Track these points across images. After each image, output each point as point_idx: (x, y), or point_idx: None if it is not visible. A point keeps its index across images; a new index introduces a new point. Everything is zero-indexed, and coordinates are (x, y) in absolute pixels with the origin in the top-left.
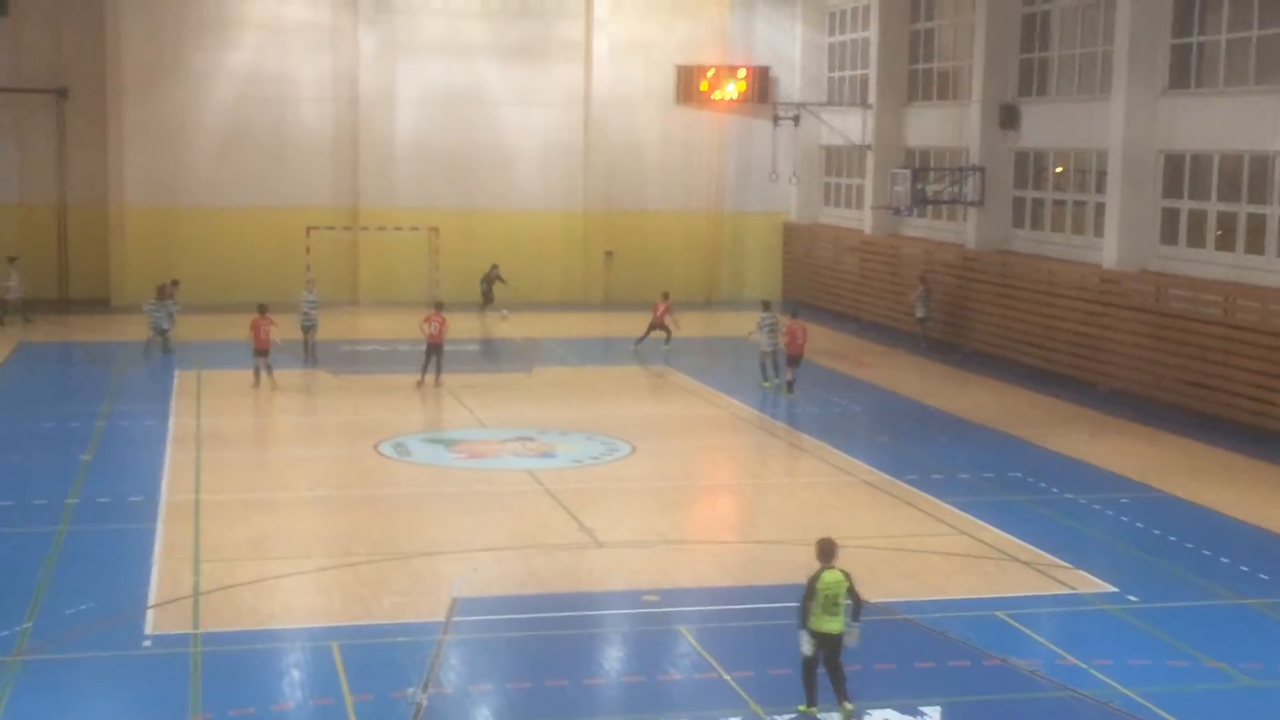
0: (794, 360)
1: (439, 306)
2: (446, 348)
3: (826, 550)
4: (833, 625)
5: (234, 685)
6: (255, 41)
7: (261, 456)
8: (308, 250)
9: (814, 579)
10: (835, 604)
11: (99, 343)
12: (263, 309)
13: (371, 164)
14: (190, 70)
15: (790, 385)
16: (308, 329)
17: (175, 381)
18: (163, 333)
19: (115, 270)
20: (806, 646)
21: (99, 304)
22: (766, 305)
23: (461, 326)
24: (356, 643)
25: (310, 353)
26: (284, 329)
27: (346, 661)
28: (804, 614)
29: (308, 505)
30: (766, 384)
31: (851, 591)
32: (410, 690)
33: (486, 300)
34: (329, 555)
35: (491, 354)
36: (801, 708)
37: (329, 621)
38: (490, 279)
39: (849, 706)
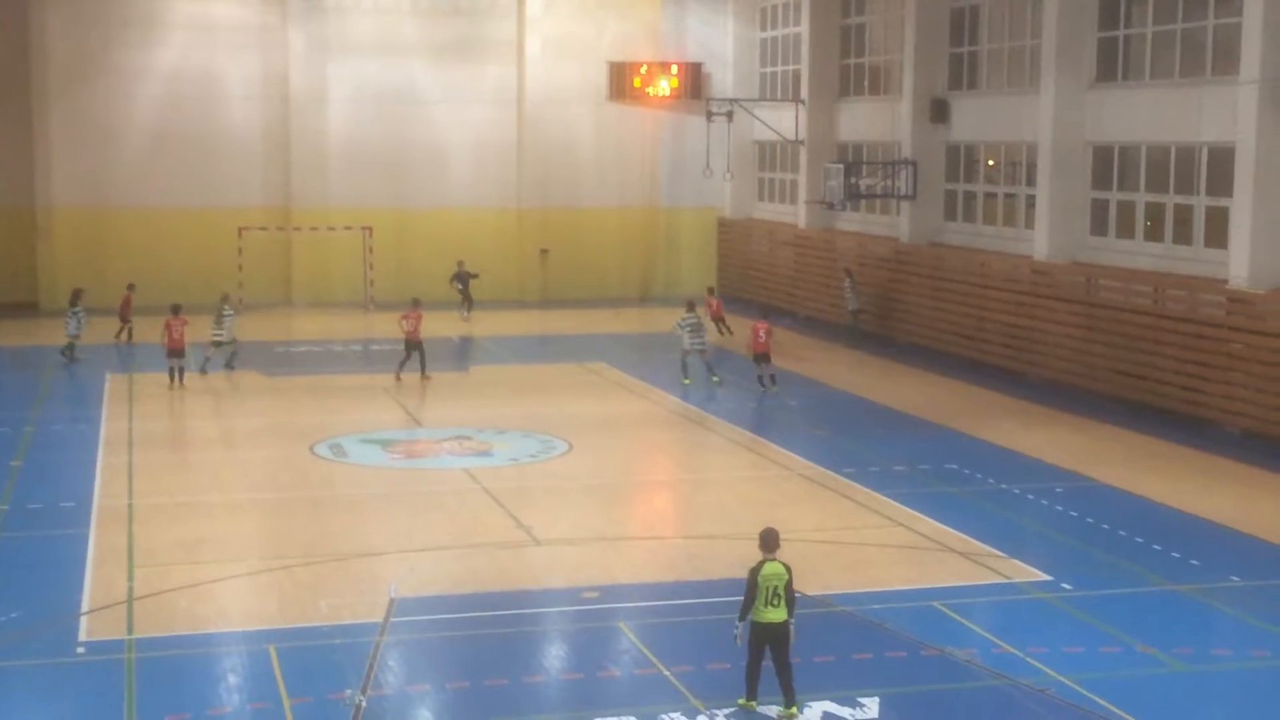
0: (762, 359)
1: (416, 303)
2: (379, 348)
3: (769, 541)
4: (775, 615)
5: (169, 691)
6: (183, 40)
7: (195, 459)
8: (240, 251)
9: (756, 570)
10: (778, 594)
11: (28, 346)
12: (176, 309)
13: (304, 163)
14: (117, 69)
15: (771, 379)
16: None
17: (107, 385)
18: (70, 340)
19: (44, 273)
20: (739, 639)
21: (27, 308)
22: (690, 305)
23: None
24: (294, 645)
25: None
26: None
27: (284, 664)
28: (745, 605)
29: (243, 508)
30: (687, 381)
31: (788, 586)
32: (349, 692)
33: (465, 300)
34: (264, 558)
35: (428, 353)
36: (741, 700)
37: (265, 625)
38: (463, 276)
39: (792, 711)
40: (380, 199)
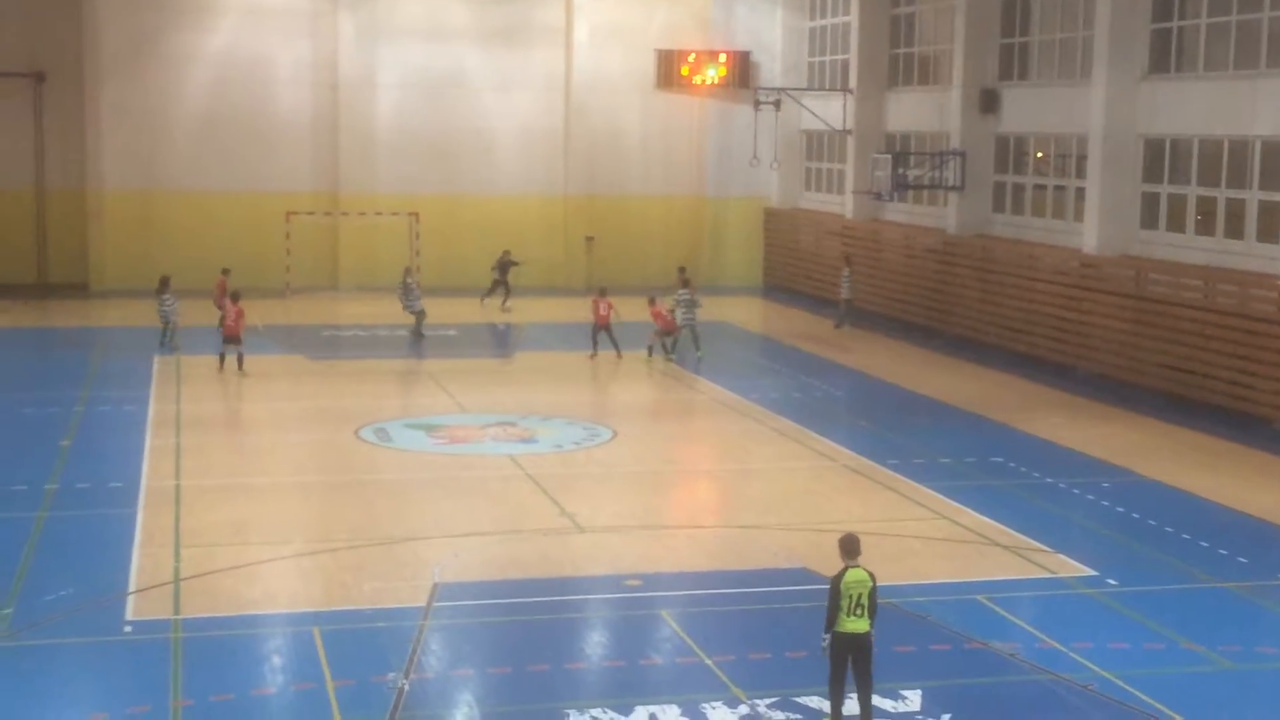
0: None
1: (603, 292)
2: (428, 334)
3: (850, 547)
4: (859, 625)
5: (215, 671)
6: (234, 25)
7: (242, 442)
8: (287, 235)
9: (838, 579)
10: (861, 604)
11: (78, 328)
12: (235, 296)
13: (352, 148)
14: (168, 54)
15: (657, 349)
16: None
17: (155, 367)
18: (166, 324)
19: (94, 255)
20: (825, 649)
21: (78, 289)
22: (685, 281)
23: (444, 311)
24: (338, 628)
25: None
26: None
27: (327, 647)
28: (830, 616)
29: (288, 490)
30: (701, 353)
31: (872, 594)
32: (391, 675)
33: (499, 287)
34: (310, 540)
35: (472, 339)
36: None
37: (310, 607)
38: (504, 264)
39: None
40: (427, 185)
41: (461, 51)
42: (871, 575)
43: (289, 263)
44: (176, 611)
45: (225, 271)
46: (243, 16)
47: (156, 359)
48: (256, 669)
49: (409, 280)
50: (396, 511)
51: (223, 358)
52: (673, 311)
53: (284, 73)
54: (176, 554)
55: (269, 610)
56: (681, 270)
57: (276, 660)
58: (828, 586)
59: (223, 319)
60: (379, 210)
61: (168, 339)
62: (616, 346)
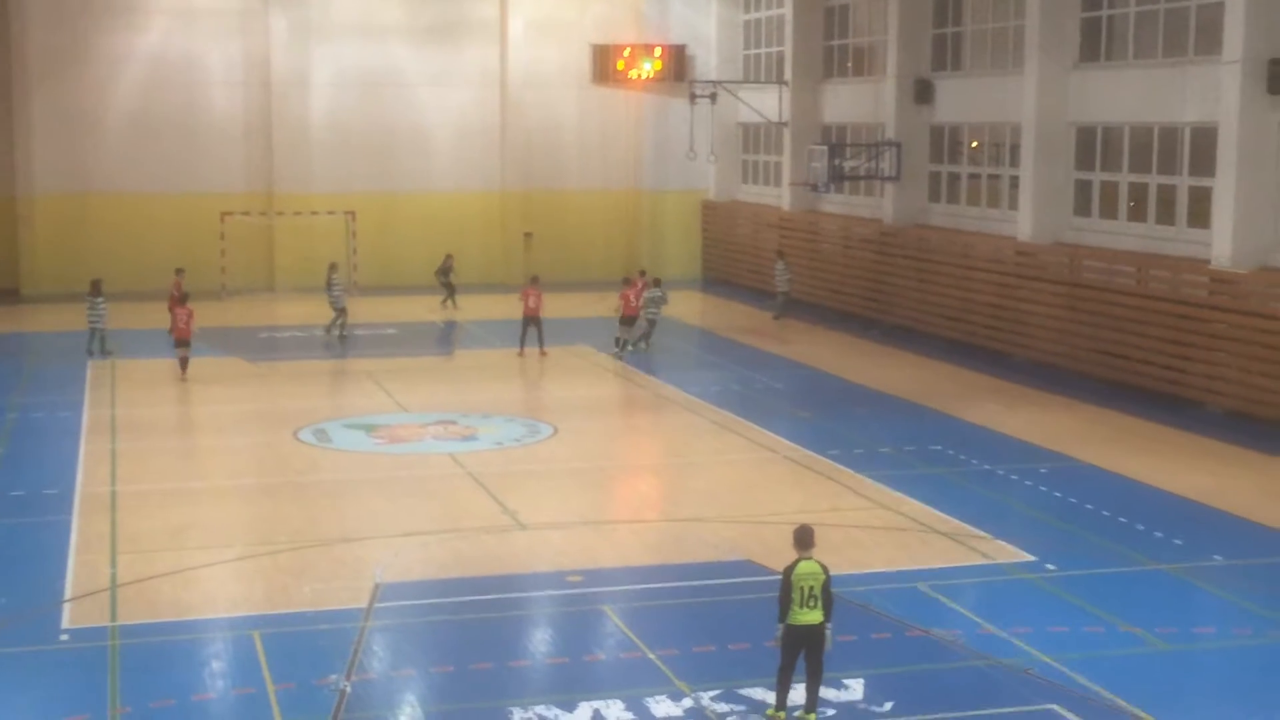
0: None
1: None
2: (346, 333)
3: (803, 539)
4: (811, 617)
5: (154, 677)
6: (164, 25)
7: (179, 446)
8: (222, 236)
9: (789, 570)
10: (814, 595)
11: (8, 333)
12: (184, 298)
13: (286, 148)
14: (98, 55)
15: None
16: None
17: (89, 372)
18: (94, 328)
19: (25, 260)
20: (779, 640)
21: (8, 294)
22: (657, 281)
23: (383, 310)
24: (278, 631)
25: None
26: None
27: (268, 650)
28: (782, 607)
29: (227, 494)
30: (644, 347)
31: (825, 589)
32: (333, 677)
33: (448, 292)
34: (249, 544)
35: (411, 338)
36: (770, 711)
37: (250, 610)
38: (446, 270)
39: (811, 717)
40: (363, 183)
41: (396, 48)
42: (824, 568)
43: (224, 264)
44: (114, 618)
45: (179, 272)
46: (173, 17)
47: (90, 364)
48: (196, 674)
49: (334, 277)
50: (337, 512)
51: (184, 362)
52: (645, 307)
53: (216, 73)
54: (113, 560)
55: (208, 615)
56: (642, 273)
57: (216, 665)
58: (770, 578)
59: (174, 322)
60: (314, 210)
61: (96, 344)
62: (541, 342)
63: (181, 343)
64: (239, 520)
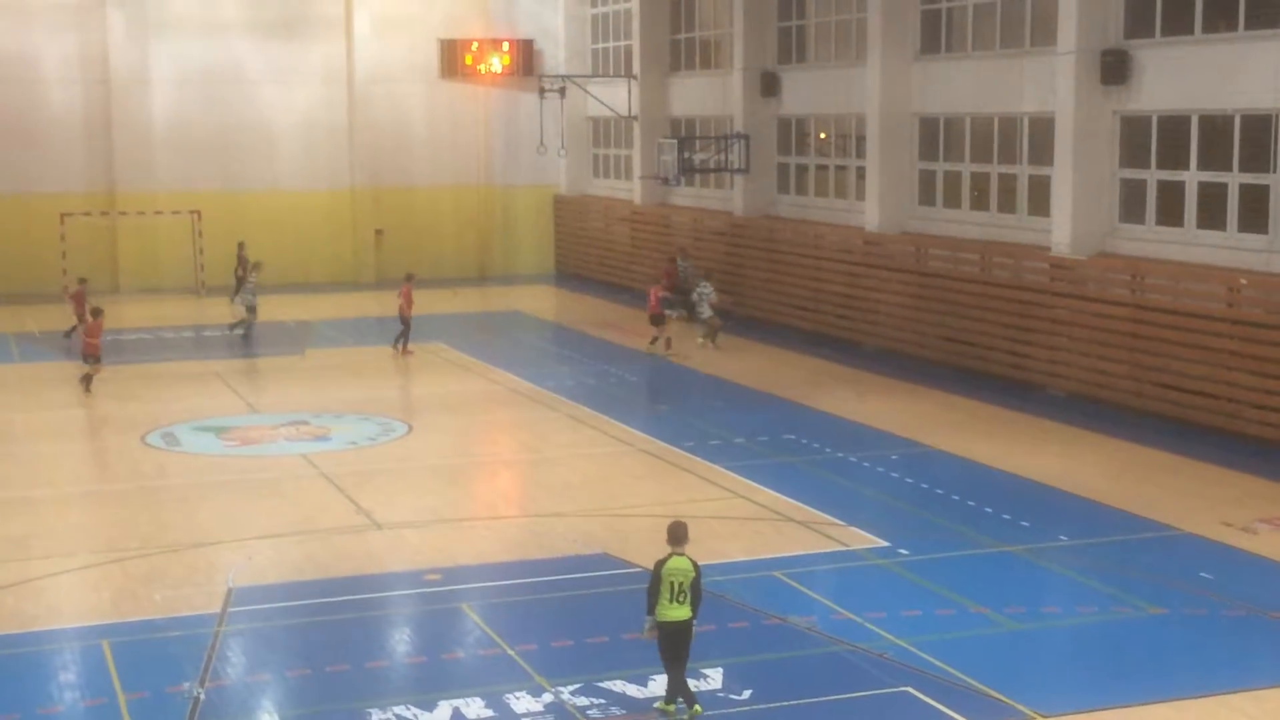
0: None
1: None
2: (210, 334)
3: (676, 534)
4: (679, 613)
5: None
6: None
7: (20, 452)
8: (63, 238)
9: (659, 565)
10: (683, 590)
11: None
12: (96, 312)
13: (127, 147)
14: None
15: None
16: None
17: None
18: None
19: None
20: (647, 632)
21: None
22: (707, 275)
23: (231, 311)
24: (129, 639)
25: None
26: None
27: (118, 659)
28: (650, 600)
29: (73, 501)
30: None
31: (695, 585)
32: (187, 685)
33: (242, 285)
34: (96, 551)
35: (261, 337)
36: (659, 705)
37: (98, 619)
38: (243, 260)
39: (670, 708)
40: (209, 182)
41: (238, 45)
42: (695, 564)
43: (65, 266)
44: None
45: (83, 281)
46: (4, 12)
47: None
48: (43, 687)
49: (253, 276)
50: (187, 517)
51: (88, 378)
52: (697, 303)
53: (51, 70)
54: None
55: (54, 625)
56: (673, 260)
57: (65, 676)
58: (627, 571)
59: (74, 329)
60: (159, 209)
61: None
62: (405, 340)
63: (91, 356)
64: (85, 528)
